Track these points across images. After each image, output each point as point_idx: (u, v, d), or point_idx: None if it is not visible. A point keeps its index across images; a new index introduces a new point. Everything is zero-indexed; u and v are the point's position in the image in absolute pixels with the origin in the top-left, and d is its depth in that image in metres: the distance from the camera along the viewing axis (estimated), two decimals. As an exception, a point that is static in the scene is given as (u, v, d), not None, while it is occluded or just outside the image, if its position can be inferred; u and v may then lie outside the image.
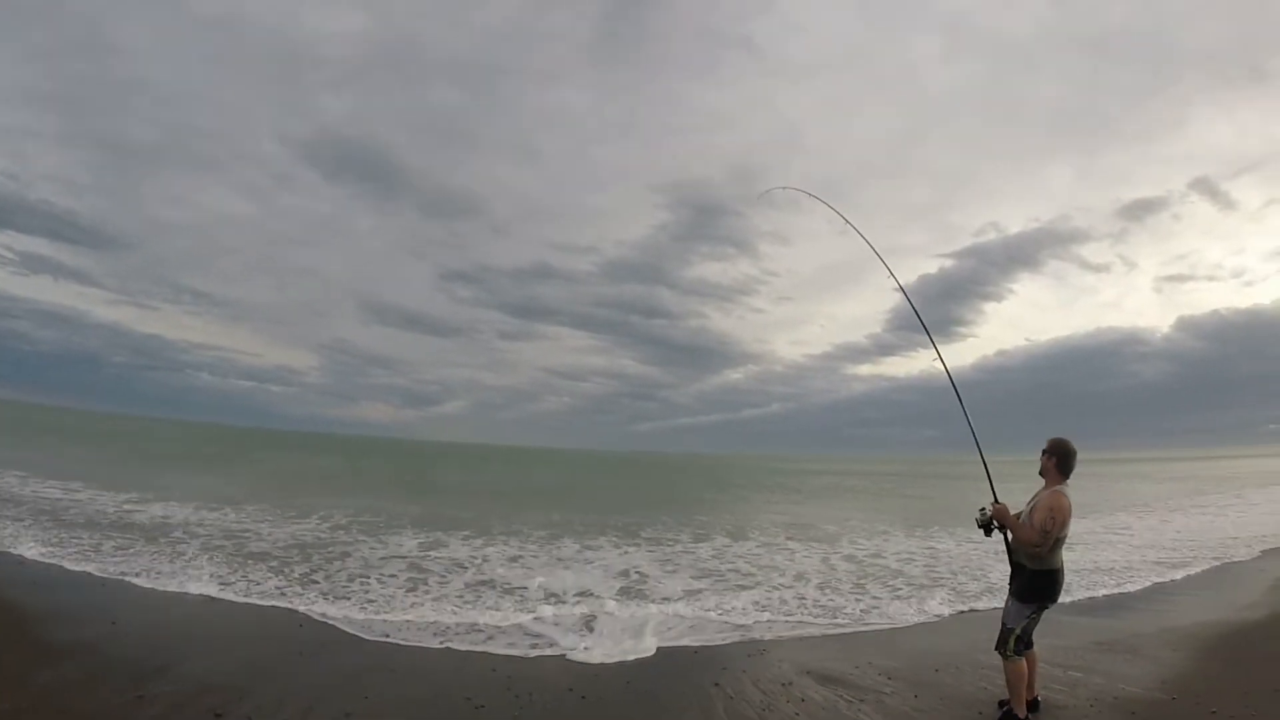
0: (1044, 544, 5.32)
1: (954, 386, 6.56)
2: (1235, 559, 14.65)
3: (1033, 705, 5.79)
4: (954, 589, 11.49)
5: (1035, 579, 5.47)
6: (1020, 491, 5.77)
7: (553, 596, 10.36)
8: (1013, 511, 5.63)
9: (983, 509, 5.70)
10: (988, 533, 5.73)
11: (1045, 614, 5.65)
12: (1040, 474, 5.58)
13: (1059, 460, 5.44)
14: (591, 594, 10.55)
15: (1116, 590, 11.46)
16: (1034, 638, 5.69)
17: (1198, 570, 13.28)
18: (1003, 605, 5.82)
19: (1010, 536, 5.65)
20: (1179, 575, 12.77)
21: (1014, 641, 5.50)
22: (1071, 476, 5.53)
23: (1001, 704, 5.86)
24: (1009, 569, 5.77)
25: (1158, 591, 11.49)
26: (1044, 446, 5.54)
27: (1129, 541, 17.16)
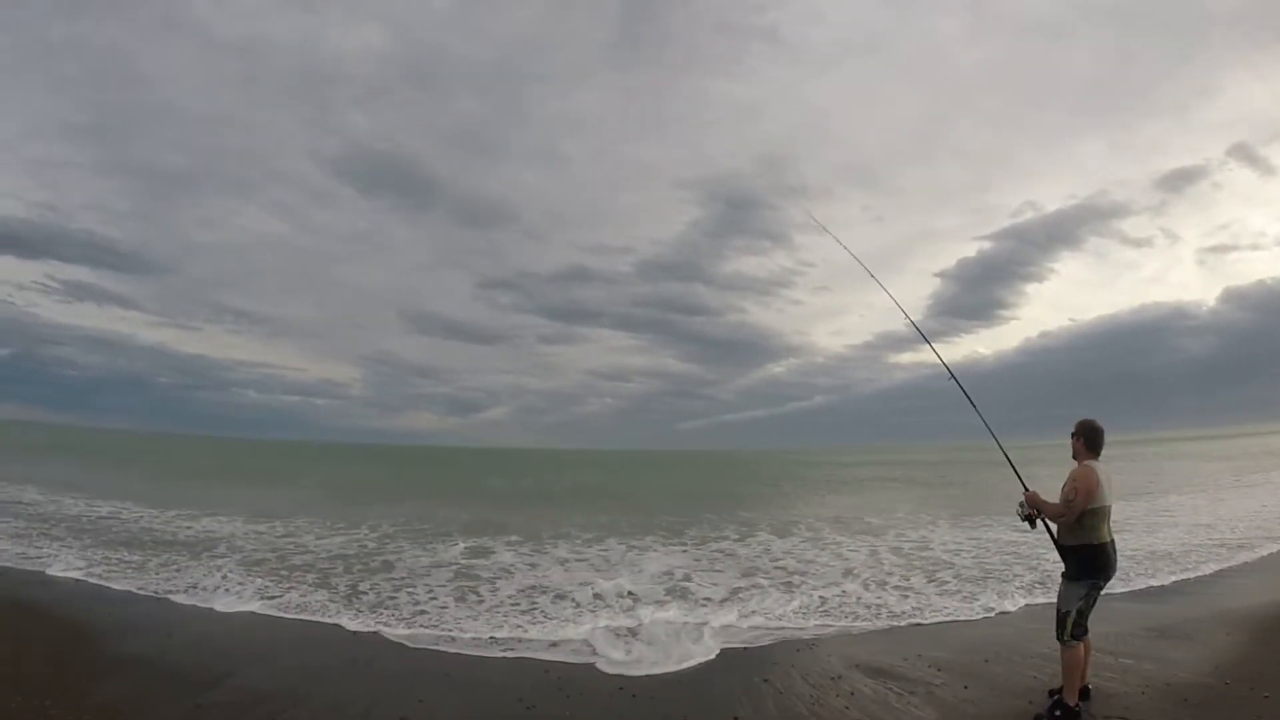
0: (1069, 514, 5.39)
1: (957, 383, 6.91)
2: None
3: (1084, 693, 5.66)
4: (1004, 579, 11.32)
5: (1079, 555, 5.47)
6: (1059, 476, 5.70)
7: (599, 600, 10.38)
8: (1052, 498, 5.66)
9: (1020, 503, 5.76)
10: (1032, 525, 5.76)
11: (1099, 602, 5.58)
12: (1073, 457, 5.64)
13: (1086, 439, 5.56)
14: (640, 598, 10.50)
15: (1174, 577, 11.16)
16: (1100, 627, 5.58)
17: (1263, 553, 12.95)
18: (1057, 594, 5.72)
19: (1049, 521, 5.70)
20: (1241, 558, 12.47)
21: (1071, 625, 5.42)
22: (1103, 454, 5.64)
23: (1052, 693, 5.76)
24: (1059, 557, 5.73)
25: (1217, 575, 11.23)
26: (1071, 430, 5.66)
27: (1185, 523, 16.78)
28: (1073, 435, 5.65)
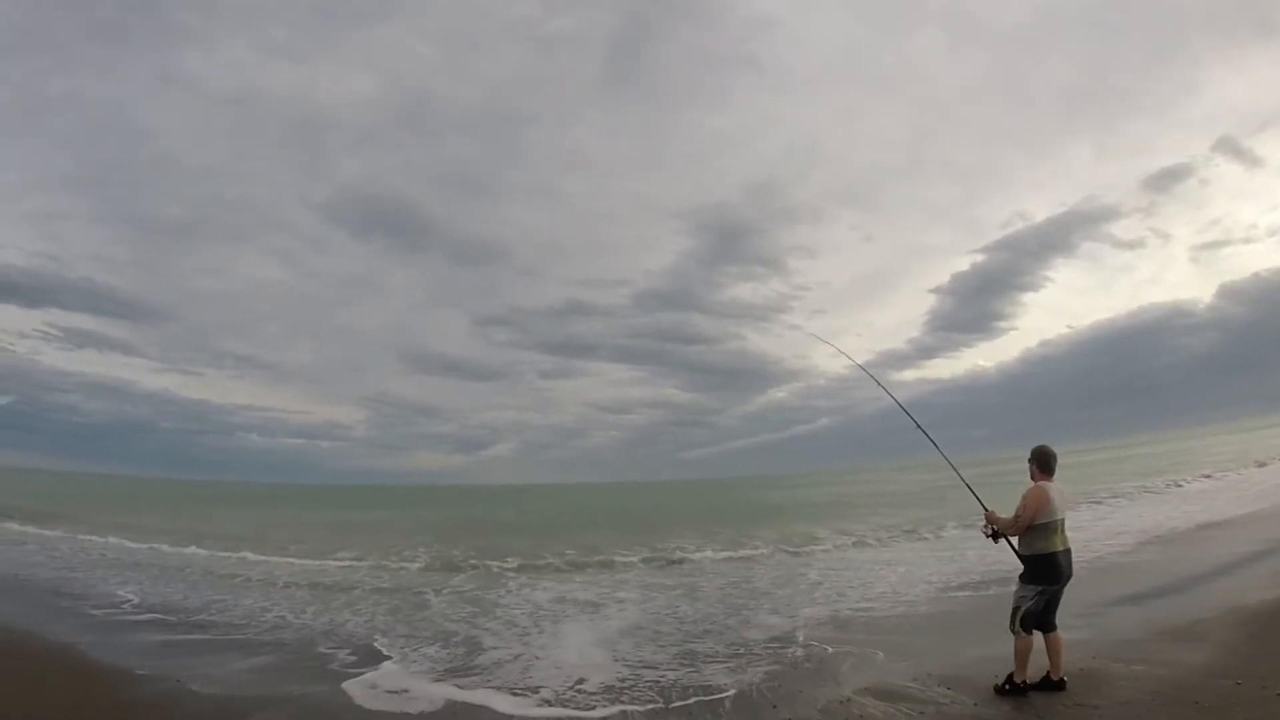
0: (1017, 527, 6.28)
1: (905, 411, 8.20)
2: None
3: (1060, 685, 6.27)
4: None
5: (1031, 563, 6.29)
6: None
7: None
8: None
9: (984, 522, 6.56)
10: (995, 540, 6.59)
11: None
12: (1031, 479, 6.43)
13: (1038, 463, 6.43)
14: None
15: (1180, 574, 11.10)
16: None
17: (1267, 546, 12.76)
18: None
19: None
20: (1246, 550, 12.35)
21: (1019, 619, 6.24)
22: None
23: (1010, 676, 6.37)
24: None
25: (1223, 569, 11.10)
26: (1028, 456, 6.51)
27: (1191, 519, 16.69)
28: (1028, 460, 6.47)
